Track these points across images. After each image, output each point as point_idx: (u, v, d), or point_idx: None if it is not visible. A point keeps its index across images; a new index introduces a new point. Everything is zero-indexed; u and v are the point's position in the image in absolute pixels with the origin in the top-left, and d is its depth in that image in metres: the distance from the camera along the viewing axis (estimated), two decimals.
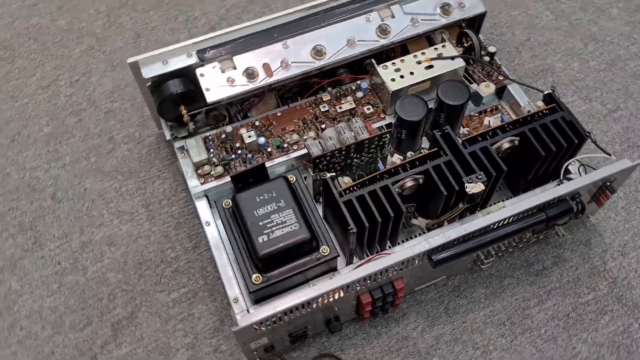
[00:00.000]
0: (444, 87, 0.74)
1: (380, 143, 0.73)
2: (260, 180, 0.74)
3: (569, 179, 0.71)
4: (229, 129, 0.78)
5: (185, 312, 0.74)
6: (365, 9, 0.81)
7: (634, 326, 0.73)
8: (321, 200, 0.73)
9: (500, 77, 0.82)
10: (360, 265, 0.68)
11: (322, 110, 0.80)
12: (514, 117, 0.82)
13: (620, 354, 0.71)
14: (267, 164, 0.75)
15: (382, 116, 0.80)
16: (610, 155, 0.71)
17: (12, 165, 0.86)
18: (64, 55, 0.97)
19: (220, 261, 0.70)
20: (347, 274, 0.62)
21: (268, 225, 0.64)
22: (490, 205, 0.75)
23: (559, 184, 0.72)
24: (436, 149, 0.69)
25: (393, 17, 0.81)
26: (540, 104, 0.73)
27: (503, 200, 0.76)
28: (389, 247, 0.72)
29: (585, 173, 0.72)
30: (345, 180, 0.71)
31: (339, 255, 0.67)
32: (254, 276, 0.64)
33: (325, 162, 0.71)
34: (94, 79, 0.95)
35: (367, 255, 0.71)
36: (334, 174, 0.68)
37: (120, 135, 0.88)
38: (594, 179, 0.66)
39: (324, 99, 0.81)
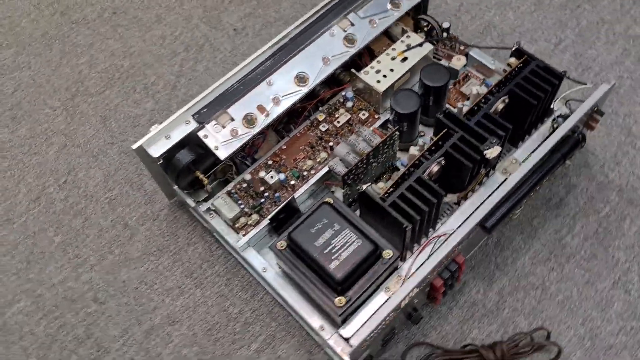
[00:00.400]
0: (425, 72, 0.80)
1: (391, 141, 0.78)
2: (290, 214, 0.78)
3: (562, 116, 0.79)
4: (247, 176, 0.80)
5: (272, 357, 0.77)
6: (325, 26, 0.85)
7: None
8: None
9: (462, 47, 0.90)
10: (419, 253, 0.73)
11: (323, 130, 0.84)
12: (483, 78, 0.89)
13: None
14: (298, 194, 0.78)
15: (377, 117, 0.85)
16: (585, 84, 0.80)
17: (40, 286, 0.84)
18: (40, 162, 0.95)
19: (291, 299, 0.73)
20: (422, 267, 0.67)
21: (333, 251, 0.68)
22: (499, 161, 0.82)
23: (553, 124, 0.80)
24: (445, 130, 0.75)
25: (352, 25, 0.86)
26: (512, 60, 0.81)
27: (507, 152, 0.83)
28: (431, 230, 0.78)
29: (571, 107, 0.81)
30: (380, 186, 0.75)
31: (400, 254, 0.71)
32: (336, 300, 0.68)
33: (352, 177, 0.75)
34: (81, 175, 0.94)
35: (418, 245, 0.76)
36: (369, 184, 0.72)
37: (134, 219, 0.88)
38: (585, 110, 0.75)
39: (320, 119, 0.85)
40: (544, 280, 0.79)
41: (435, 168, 0.73)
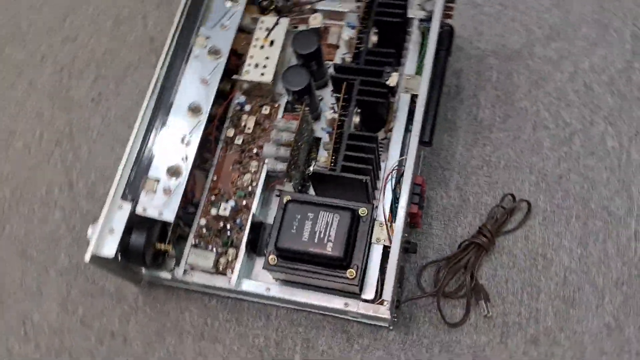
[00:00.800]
0: (296, 44, 0.83)
1: (306, 118, 0.81)
2: (258, 230, 0.80)
3: (424, 20, 0.86)
4: (202, 221, 0.80)
5: (317, 355, 0.79)
6: (186, 51, 0.85)
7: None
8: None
9: (308, 6, 0.93)
10: (383, 196, 0.78)
11: (239, 143, 0.85)
12: (342, 23, 0.94)
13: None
14: (255, 209, 0.80)
15: (277, 105, 0.88)
16: None
17: None
18: None
19: (306, 299, 0.76)
20: (400, 203, 0.72)
21: (322, 236, 0.71)
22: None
23: (422, 29, 0.87)
24: (344, 82, 0.79)
25: (208, 37, 0.86)
26: None
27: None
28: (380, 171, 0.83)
29: (425, 8, 0.88)
30: (322, 159, 0.79)
31: (372, 206, 0.76)
32: (347, 274, 0.71)
33: (292, 166, 0.78)
34: (37, 317, 0.87)
35: (377, 189, 0.81)
36: (313, 164, 0.75)
37: (116, 324, 0.85)
38: (441, 2, 0.82)
39: (231, 135, 0.86)
40: (483, 157, 0.88)
41: (357, 119, 0.78)
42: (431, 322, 0.80)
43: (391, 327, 0.79)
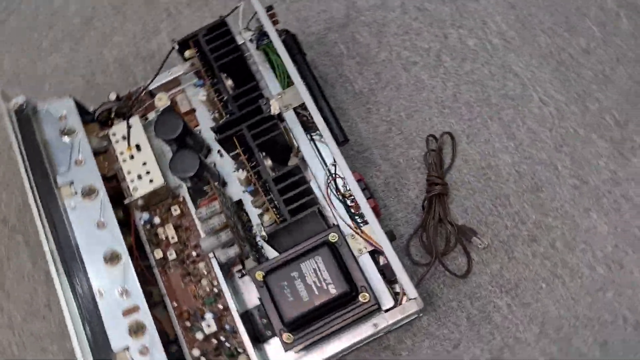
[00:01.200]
0: (161, 132, 0.77)
1: (220, 192, 0.75)
2: (250, 323, 0.74)
3: (255, 40, 0.83)
4: (196, 352, 0.72)
5: None
6: (59, 209, 0.76)
7: None
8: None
9: (142, 93, 0.86)
10: (333, 209, 0.75)
11: (173, 258, 0.77)
12: (182, 86, 0.88)
13: None
14: (233, 305, 0.73)
15: (181, 199, 0.80)
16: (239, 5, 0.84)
17: None
18: None
19: (338, 347, 0.70)
20: (361, 204, 0.70)
21: (319, 284, 0.67)
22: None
23: (262, 47, 0.84)
24: (233, 138, 0.75)
25: (72, 183, 0.77)
26: (188, 52, 0.81)
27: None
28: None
29: (250, 27, 0.85)
30: (266, 218, 0.74)
31: (336, 226, 0.73)
32: (361, 300, 0.68)
33: (245, 245, 0.72)
34: None
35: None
36: (261, 228, 0.71)
37: None
38: (264, 16, 0.80)
39: (160, 256, 0.77)
40: (384, 120, 0.89)
41: (268, 162, 0.74)
42: (446, 284, 0.79)
43: (421, 314, 0.77)
